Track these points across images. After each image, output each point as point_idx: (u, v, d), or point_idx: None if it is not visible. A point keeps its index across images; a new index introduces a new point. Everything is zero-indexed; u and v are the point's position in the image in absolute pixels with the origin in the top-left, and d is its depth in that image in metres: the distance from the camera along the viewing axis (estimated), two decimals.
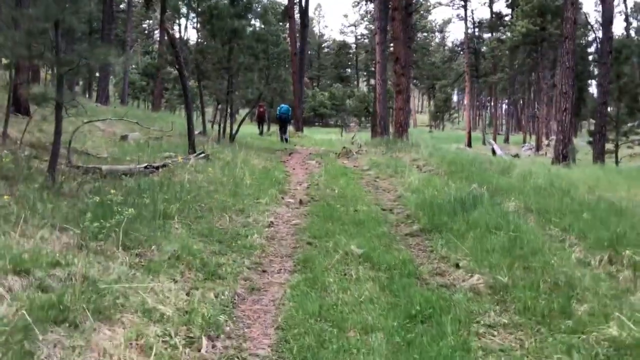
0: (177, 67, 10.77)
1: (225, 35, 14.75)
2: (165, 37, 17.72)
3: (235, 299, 4.39)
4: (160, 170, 9.60)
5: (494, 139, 53.30)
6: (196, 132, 17.84)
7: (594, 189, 9.77)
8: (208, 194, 7.93)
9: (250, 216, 7.16)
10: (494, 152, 30.51)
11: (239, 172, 10.07)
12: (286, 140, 21.63)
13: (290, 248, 6.01)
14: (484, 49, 54.54)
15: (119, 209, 5.34)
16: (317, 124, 71.14)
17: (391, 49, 24.70)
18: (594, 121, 25.86)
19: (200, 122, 16.92)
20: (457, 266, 5.39)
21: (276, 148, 17.62)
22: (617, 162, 23.68)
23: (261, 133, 25.53)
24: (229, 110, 16.33)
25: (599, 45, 30.19)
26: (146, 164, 9.58)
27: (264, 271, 5.18)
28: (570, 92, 14.60)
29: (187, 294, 4.23)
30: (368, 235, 6.38)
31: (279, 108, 22.14)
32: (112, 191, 6.21)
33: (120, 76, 50.65)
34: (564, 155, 14.51)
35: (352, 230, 6.66)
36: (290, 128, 31.97)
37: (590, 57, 66.78)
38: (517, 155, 35.70)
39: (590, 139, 25.14)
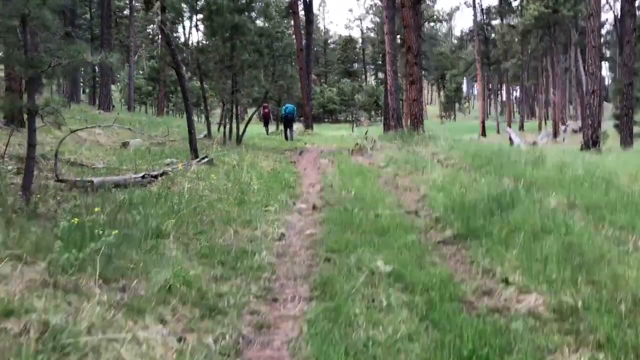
0: (174, 67, 9.92)
1: (226, 31, 13.91)
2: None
3: (239, 343, 3.52)
4: (159, 179, 8.79)
5: (509, 127, 52.06)
6: (201, 136, 17.07)
7: (638, 178, 8.79)
8: (210, 204, 7.08)
9: (258, 228, 6.29)
10: (511, 140, 29.42)
11: (245, 176, 9.22)
12: (291, 139, 21.20)
13: (305, 266, 5.13)
14: (493, 35, 53.19)
15: (102, 231, 4.50)
16: (326, 120, 70.26)
17: (399, 40, 23.75)
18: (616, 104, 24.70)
19: (206, 124, 16.11)
20: (507, 282, 4.47)
21: (285, 148, 16.76)
22: None
23: (267, 132, 24.80)
24: (234, 110, 15.48)
25: (617, 24, 28.97)
26: (144, 173, 8.77)
27: (274, 300, 4.30)
28: (598, 72, 13.57)
29: (179, 340, 3.38)
30: (395, 246, 5.49)
31: (284, 108, 22.04)
32: (96, 209, 5.38)
33: (125, 82, 50.24)
34: (594, 141, 13.50)
35: (376, 240, 5.77)
36: (300, 126, 31.16)
37: (602, 39, 65.22)
38: (534, 144, 34.58)
39: (617, 122, 24.00)
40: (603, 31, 59.51)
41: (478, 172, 9.67)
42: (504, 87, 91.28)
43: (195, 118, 17.25)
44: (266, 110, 25.01)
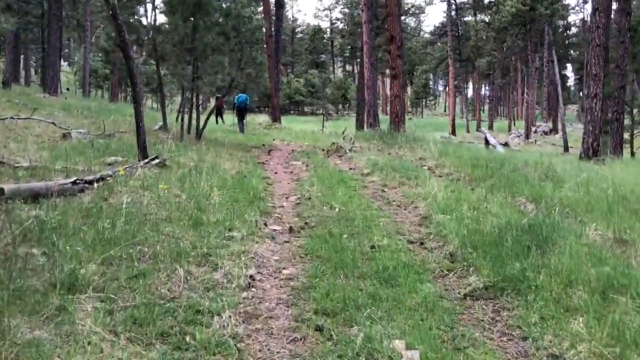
0: (121, 46, 8.09)
1: (187, 9, 12.06)
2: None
3: None
4: (95, 185, 7.00)
5: (479, 126, 51.40)
6: (156, 127, 15.17)
7: None
8: (155, 226, 5.38)
9: (219, 267, 4.61)
10: (487, 141, 28.31)
11: (204, 185, 7.49)
12: (241, 131, 20.74)
13: (287, 342, 3.50)
14: (468, 32, 52.23)
15: None
16: (292, 112, 68.45)
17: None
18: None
19: (162, 114, 14.21)
20: None
21: (252, 144, 15.01)
22: (632, 154, 21.66)
23: (217, 123, 24.07)
24: (194, 100, 13.64)
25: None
26: (75, 179, 6.96)
27: None
28: (601, 74, 12.32)
29: None
30: (411, 307, 3.92)
31: (236, 97, 21.36)
32: None
33: (81, 64, 47.19)
34: (594, 149, 12.26)
35: (382, 292, 4.19)
36: (266, 118, 29.35)
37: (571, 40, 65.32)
38: (506, 144, 33.76)
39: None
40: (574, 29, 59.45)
41: (482, 186, 8.21)
42: (470, 85, 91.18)
43: (155, 106, 15.36)
44: (219, 102, 24.03)
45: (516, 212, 6.51)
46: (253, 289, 4.31)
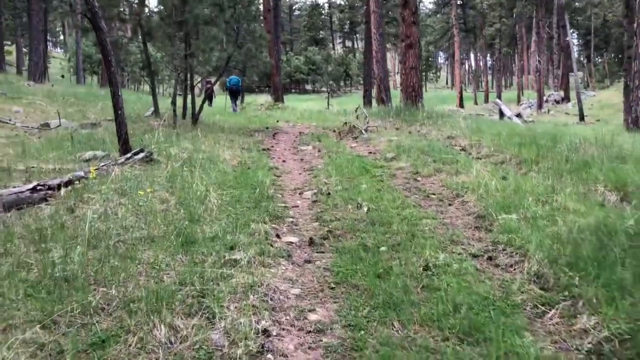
0: (86, 14, 6.58)
1: None
2: None
3: None
4: (62, 191, 5.59)
5: (486, 97, 49.65)
6: (148, 113, 13.67)
7: None
8: (131, 251, 3.97)
9: (217, 318, 3.18)
10: (501, 113, 26.67)
11: (199, 183, 6.04)
12: (236, 110, 20.80)
13: None
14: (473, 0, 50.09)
15: None
16: (293, 91, 66.68)
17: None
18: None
19: (153, 99, 12.69)
20: None
21: (255, 128, 13.50)
22: None
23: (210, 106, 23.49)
24: (188, 81, 12.12)
25: None
26: (36, 183, 5.55)
27: None
28: None
29: None
30: None
31: (228, 79, 21.34)
32: None
33: (74, 50, 45.36)
34: None
35: (464, 355, 2.76)
36: (268, 98, 27.76)
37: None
38: (519, 115, 32.10)
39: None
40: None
41: (537, 170, 6.74)
42: (471, 56, 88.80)
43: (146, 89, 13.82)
44: (209, 85, 23.58)
45: (600, 207, 5.06)
46: (269, 355, 2.88)
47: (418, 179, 7.01)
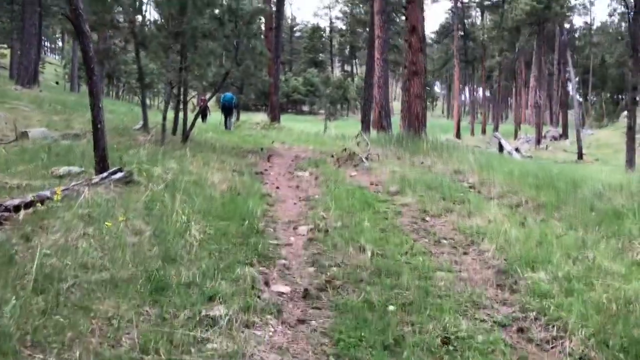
0: (68, 15, 5.90)
1: None
2: None
3: None
4: (21, 213, 4.84)
5: (483, 129, 49.41)
6: (137, 127, 12.96)
7: None
8: (87, 298, 3.24)
9: None
10: (501, 147, 26.17)
11: (180, 212, 5.30)
12: (229, 129, 20.55)
13: None
14: (474, 32, 50.07)
15: None
16: (290, 110, 66.26)
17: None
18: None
19: (142, 112, 11.98)
20: None
21: (249, 148, 12.80)
22: None
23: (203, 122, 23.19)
24: (181, 96, 11.44)
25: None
26: None
27: None
28: None
29: None
30: None
31: (222, 96, 21.19)
32: None
33: (70, 56, 44.67)
34: None
35: None
36: (264, 117, 27.13)
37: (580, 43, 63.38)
38: (517, 150, 31.64)
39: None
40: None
41: (559, 218, 6.08)
42: (467, 88, 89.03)
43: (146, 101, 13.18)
44: (203, 102, 23.37)
45: None
46: None
47: (426, 218, 6.31)
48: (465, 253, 5.13)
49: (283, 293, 4.03)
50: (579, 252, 4.74)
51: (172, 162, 8.16)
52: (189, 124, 11.49)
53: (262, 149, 12.59)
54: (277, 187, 8.24)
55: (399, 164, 10.05)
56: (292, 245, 5.27)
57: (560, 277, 4.20)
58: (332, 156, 11.33)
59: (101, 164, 6.19)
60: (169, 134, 11.69)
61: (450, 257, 5.01)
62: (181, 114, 11.49)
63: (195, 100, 24.44)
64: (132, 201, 5.52)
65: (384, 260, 4.73)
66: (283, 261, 4.76)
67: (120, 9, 10.48)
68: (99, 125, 6.04)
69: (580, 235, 5.20)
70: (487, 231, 5.55)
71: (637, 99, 19.58)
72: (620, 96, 68.81)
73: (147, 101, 32.48)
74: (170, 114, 11.84)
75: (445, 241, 5.46)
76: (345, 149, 11.29)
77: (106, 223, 4.40)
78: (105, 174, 6.03)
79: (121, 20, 10.89)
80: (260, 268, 4.49)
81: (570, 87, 34.28)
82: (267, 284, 4.15)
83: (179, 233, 4.79)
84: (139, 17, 10.61)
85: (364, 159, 9.97)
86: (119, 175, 6.20)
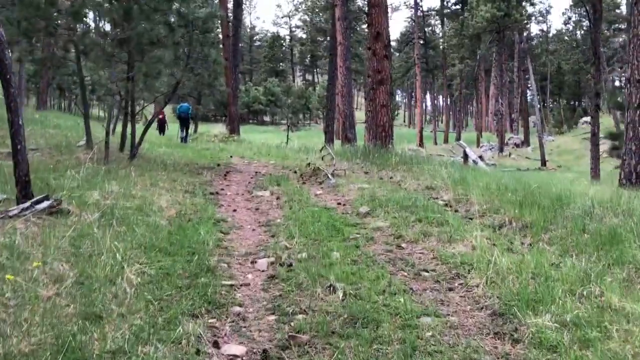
0: None
1: None
2: None
3: None
4: None
5: (446, 138, 49.47)
6: (81, 142, 11.92)
7: None
8: None
9: None
10: (466, 156, 25.87)
11: (113, 249, 4.44)
12: (185, 142, 20.21)
13: None
14: (439, 38, 50.18)
15: None
16: (251, 121, 65.28)
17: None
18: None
19: (85, 128, 10.94)
20: None
21: (204, 164, 11.91)
22: None
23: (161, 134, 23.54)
24: (128, 108, 10.49)
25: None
26: None
27: None
28: None
29: None
30: None
31: (178, 107, 21.02)
32: None
33: (17, 68, 42.55)
34: (638, 174, 9.77)
35: None
36: (223, 129, 26.16)
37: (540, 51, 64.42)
38: (481, 158, 31.52)
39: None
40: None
41: (548, 241, 5.45)
42: (427, 97, 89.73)
43: (102, 115, 12.07)
44: (162, 116, 23.36)
45: None
46: None
47: (402, 245, 5.59)
48: (450, 289, 4.41)
49: (236, 356, 3.22)
50: (583, 286, 4.08)
51: (113, 184, 7.23)
52: (138, 139, 10.54)
53: (218, 165, 11.72)
54: (234, 210, 7.41)
55: (367, 180, 9.35)
56: (249, 286, 4.46)
57: (568, 322, 3.52)
58: (295, 172, 10.57)
59: (23, 192, 5.26)
60: (115, 150, 10.72)
61: (435, 294, 4.28)
62: (130, 129, 10.53)
63: (148, 114, 23.87)
64: (55, 238, 4.62)
65: (359, 302, 3.97)
66: (238, 309, 3.95)
67: (58, 14, 9.48)
68: (19, 146, 5.13)
69: (579, 265, 4.54)
70: (472, 260, 4.86)
71: (600, 105, 19.48)
72: (576, 102, 70.44)
73: (99, 114, 31.01)
74: (119, 128, 10.88)
75: (426, 274, 4.74)
76: (309, 164, 10.54)
77: (7, 276, 3.50)
78: (27, 204, 5.11)
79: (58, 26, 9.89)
80: (210, 320, 3.68)
81: (530, 94, 34.40)
82: (216, 344, 3.33)
83: (110, 279, 3.94)
84: (80, 24, 9.64)
85: (329, 175, 9.23)
86: (44, 204, 5.28)
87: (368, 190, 8.10)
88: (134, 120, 10.52)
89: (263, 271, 4.85)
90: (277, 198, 8.06)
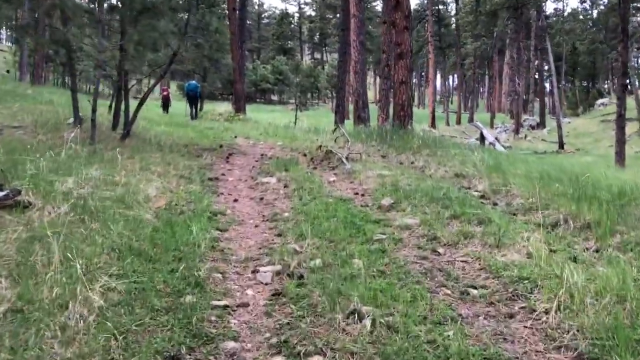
0: None
1: None
2: None
3: None
4: None
5: (458, 119, 48.13)
6: (70, 120, 10.89)
7: None
8: None
9: None
10: (482, 138, 24.66)
11: (74, 257, 3.42)
12: (195, 117, 20.37)
13: None
14: (453, 16, 48.48)
15: None
16: (258, 100, 63.96)
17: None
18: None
19: (72, 104, 9.90)
20: None
21: (206, 145, 10.88)
22: None
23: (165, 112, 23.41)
24: (121, 82, 9.42)
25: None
26: None
27: None
28: None
29: None
30: None
31: (186, 85, 21.25)
32: None
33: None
34: None
35: None
36: (228, 107, 25.09)
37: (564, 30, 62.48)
38: (497, 140, 30.32)
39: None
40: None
41: (620, 245, 4.41)
42: (438, 76, 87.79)
43: (107, 91, 11.12)
44: (166, 93, 24.07)
45: None
46: None
47: (438, 249, 4.54)
48: (510, 315, 3.38)
49: None
50: None
51: (94, 168, 6.21)
52: (132, 116, 9.49)
53: (221, 146, 10.67)
54: (235, 200, 6.38)
55: (386, 165, 8.29)
56: (248, 307, 3.45)
57: None
58: (305, 155, 9.52)
59: None
60: (107, 129, 9.70)
61: (492, 324, 3.25)
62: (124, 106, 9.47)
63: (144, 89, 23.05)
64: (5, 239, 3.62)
65: (393, 337, 2.96)
66: (232, 344, 2.95)
67: None
68: None
69: None
70: (532, 273, 3.83)
71: (629, 85, 18.22)
72: (591, 84, 68.60)
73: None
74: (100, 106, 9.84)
75: (475, 291, 3.70)
76: (320, 146, 9.47)
77: None
78: None
79: None
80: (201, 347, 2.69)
81: (552, 74, 32.92)
82: None
83: (61, 303, 2.93)
84: None
85: (344, 160, 8.17)
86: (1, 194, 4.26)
87: (388, 178, 7.03)
88: (127, 95, 9.46)
89: (266, 284, 3.84)
90: (285, 186, 7.02)
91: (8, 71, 48.61)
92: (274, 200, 6.36)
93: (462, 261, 4.29)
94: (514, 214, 5.63)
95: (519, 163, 7.77)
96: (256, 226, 5.33)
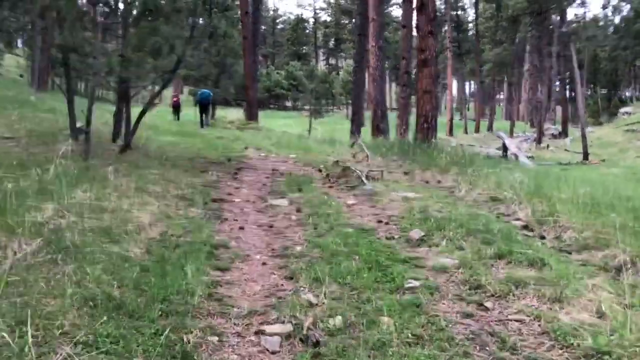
0: None
1: None
2: None
3: None
4: None
5: (477, 127, 47.09)
6: (67, 131, 10.19)
7: None
8: None
9: None
10: (505, 148, 23.66)
11: (19, 327, 2.65)
12: (207, 124, 20.27)
13: None
14: (470, 19, 47.52)
15: None
16: (272, 106, 63.36)
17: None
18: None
19: (69, 115, 9.18)
20: None
21: (212, 157, 10.12)
22: None
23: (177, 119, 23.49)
24: (122, 92, 8.70)
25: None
26: None
27: None
28: None
29: None
30: None
31: (199, 93, 21.14)
32: None
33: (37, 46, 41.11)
34: None
35: None
36: (239, 115, 24.46)
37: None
38: (520, 150, 29.26)
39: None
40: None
41: None
42: (454, 83, 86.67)
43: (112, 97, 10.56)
44: (176, 99, 24.41)
45: None
46: None
47: (485, 303, 3.71)
48: None
49: None
50: None
51: (80, 190, 5.46)
52: (133, 128, 8.76)
53: (229, 160, 9.90)
54: (241, 228, 5.59)
55: (410, 185, 7.47)
56: None
57: None
58: (320, 171, 8.73)
59: None
60: (107, 140, 8.99)
61: None
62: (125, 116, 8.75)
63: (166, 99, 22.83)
64: None
65: None
66: None
67: None
68: None
69: None
70: (611, 346, 2.98)
71: None
72: (612, 91, 67.07)
73: (101, 96, 29.55)
74: (103, 116, 9.14)
75: None
76: (337, 162, 8.67)
77: None
78: None
79: None
80: None
81: (576, 82, 31.75)
82: None
83: None
84: None
85: (363, 179, 7.35)
86: None
87: (416, 202, 6.21)
88: (129, 104, 8.74)
89: (273, 354, 3.04)
90: (298, 210, 6.22)
91: (21, 75, 48.46)
92: (285, 228, 5.56)
93: (516, 321, 3.45)
94: (568, 252, 4.78)
95: (560, 183, 6.89)
96: (264, 264, 4.53)
